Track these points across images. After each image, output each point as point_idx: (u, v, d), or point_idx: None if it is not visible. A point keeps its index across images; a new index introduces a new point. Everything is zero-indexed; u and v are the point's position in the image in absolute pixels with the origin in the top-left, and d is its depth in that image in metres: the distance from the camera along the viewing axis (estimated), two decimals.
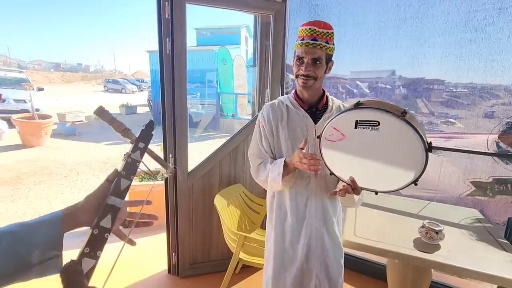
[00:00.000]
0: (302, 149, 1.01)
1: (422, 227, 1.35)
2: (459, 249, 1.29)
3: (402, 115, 0.83)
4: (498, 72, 1.81)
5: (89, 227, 0.61)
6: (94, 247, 0.57)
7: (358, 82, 2.48)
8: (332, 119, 0.94)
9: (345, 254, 1.23)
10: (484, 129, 1.97)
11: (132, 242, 0.69)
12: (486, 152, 1.89)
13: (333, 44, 1.08)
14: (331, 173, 1.03)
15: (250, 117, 2.36)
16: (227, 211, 1.84)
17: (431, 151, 0.83)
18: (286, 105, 1.17)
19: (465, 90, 2.00)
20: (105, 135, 7.56)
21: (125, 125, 0.87)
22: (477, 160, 2.00)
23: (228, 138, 2.05)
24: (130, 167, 0.70)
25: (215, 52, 9.66)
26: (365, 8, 2.09)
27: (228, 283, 1.96)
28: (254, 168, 1.21)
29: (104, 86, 26.26)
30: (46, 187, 4.08)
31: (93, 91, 24.80)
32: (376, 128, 0.87)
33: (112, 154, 5.98)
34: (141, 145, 0.76)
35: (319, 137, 1.00)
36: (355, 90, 2.47)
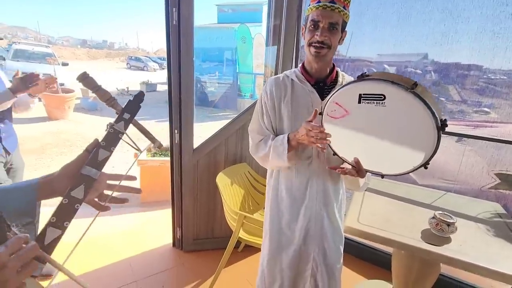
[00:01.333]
0: (311, 121, 0.92)
1: (433, 218, 1.25)
2: (472, 244, 1.19)
3: (411, 87, 0.73)
4: None
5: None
6: (61, 217, 0.55)
7: (385, 66, 2.30)
8: (334, 93, 0.85)
9: (349, 239, 1.17)
10: None
11: (106, 208, 0.66)
12: None
13: (349, 11, 0.97)
14: (334, 154, 0.96)
15: None
16: (230, 190, 1.82)
17: (443, 130, 0.73)
18: (292, 79, 1.08)
19: (505, 77, 1.79)
20: None
21: (110, 94, 0.82)
22: (506, 150, 1.82)
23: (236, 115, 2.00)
24: (112, 138, 0.67)
25: (234, 30, 9.41)
26: None
27: (230, 261, 1.99)
28: (253, 145, 1.15)
29: (127, 63, 26.77)
30: (67, 158, 4.27)
31: (116, 68, 25.37)
32: (382, 103, 0.78)
33: (130, 129, 6.14)
34: (127, 116, 0.73)
35: (321, 113, 0.92)
36: None
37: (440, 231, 1.21)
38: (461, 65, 1.89)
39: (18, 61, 8.28)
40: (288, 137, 1.02)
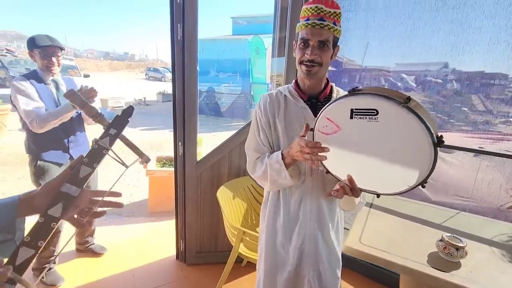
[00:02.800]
0: (304, 136, 0.89)
1: (441, 240, 1.17)
2: (484, 271, 1.10)
3: (404, 101, 0.70)
4: None
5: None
6: (36, 236, 0.54)
7: (403, 75, 2.24)
8: (325, 108, 0.83)
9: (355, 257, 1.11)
10: None
11: (84, 226, 0.66)
12: None
13: (340, 27, 0.95)
14: (327, 171, 0.92)
15: None
16: (232, 204, 1.80)
17: (440, 146, 0.69)
18: (285, 95, 1.06)
19: None
20: (141, 121, 7.98)
21: (97, 110, 0.84)
22: None
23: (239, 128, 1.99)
24: (95, 154, 0.67)
25: (248, 41, 9.57)
26: None
27: (233, 276, 1.95)
28: (250, 163, 1.14)
29: (146, 74, 27.76)
30: None
31: (135, 79, 26.33)
32: (375, 118, 0.74)
33: (145, 139, 6.30)
34: (113, 131, 0.72)
35: (312, 129, 0.89)
36: (399, 83, 2.23)
37: (448, 255, 1.13)
38: (485, 74, 1.81)
39: None
40: (282, 153, 0.99)
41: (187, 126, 1.83)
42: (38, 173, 1.72)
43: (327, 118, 0.83)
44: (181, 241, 2.07)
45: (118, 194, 0.71)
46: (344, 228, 1.19)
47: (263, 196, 1.97)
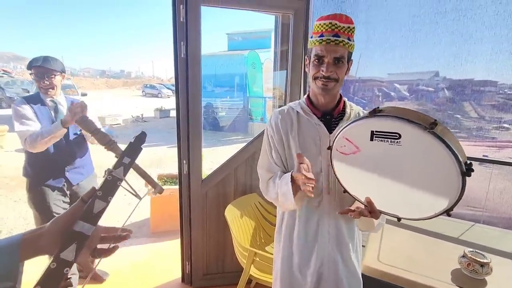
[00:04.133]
0: (301, 163, 0.84)
1: (463, 256, 1.12)
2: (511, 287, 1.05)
3: (430, 126, 0.66)
4: None
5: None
6: (46, 286, 0.46)
7: (396, 85, 2.24)
8: (344, 128, 0.80)
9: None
10: None
11: (99, 279, 0.59)
12: None
13: (354, 41, 0.93)
14: (345, 191, 0.89)
15: None
16: (240, 223, 1.74)
17: (469, 175, 0.65)
18: (297, 111, 1.04)
19: None
20: None
21: (110, 137, 0.79)
22: None
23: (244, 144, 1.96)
24: (110, 186, 0.59)
25: (245, 57, 9.71)
26: (397, 2, 1.88)
27: None
28: (263, 184, 1.09)
29: (142, 91, 27.93)
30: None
31: (132, 96, 26.45)
32: (397, 142, 0.71)
33: (145, 156, 6.22)
34: (126, 160, 0.66)
35: (329, 148, 0.86)
36: (392, 93, 2.23)
37: (472, 272, 1.08)
38: (476, 81, 1.81)
39: None
40: (292, 175, 0.93)
41: (191, 144, 1.79)
42: (32, 196, 1.67)
43: (346, 138, 0.80)
44: (187, 263, 1.99)
45: (128, 231, 0.63)
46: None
47: (271, 213, 1.93)
